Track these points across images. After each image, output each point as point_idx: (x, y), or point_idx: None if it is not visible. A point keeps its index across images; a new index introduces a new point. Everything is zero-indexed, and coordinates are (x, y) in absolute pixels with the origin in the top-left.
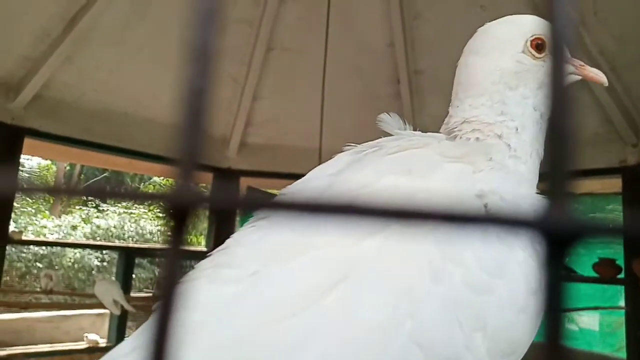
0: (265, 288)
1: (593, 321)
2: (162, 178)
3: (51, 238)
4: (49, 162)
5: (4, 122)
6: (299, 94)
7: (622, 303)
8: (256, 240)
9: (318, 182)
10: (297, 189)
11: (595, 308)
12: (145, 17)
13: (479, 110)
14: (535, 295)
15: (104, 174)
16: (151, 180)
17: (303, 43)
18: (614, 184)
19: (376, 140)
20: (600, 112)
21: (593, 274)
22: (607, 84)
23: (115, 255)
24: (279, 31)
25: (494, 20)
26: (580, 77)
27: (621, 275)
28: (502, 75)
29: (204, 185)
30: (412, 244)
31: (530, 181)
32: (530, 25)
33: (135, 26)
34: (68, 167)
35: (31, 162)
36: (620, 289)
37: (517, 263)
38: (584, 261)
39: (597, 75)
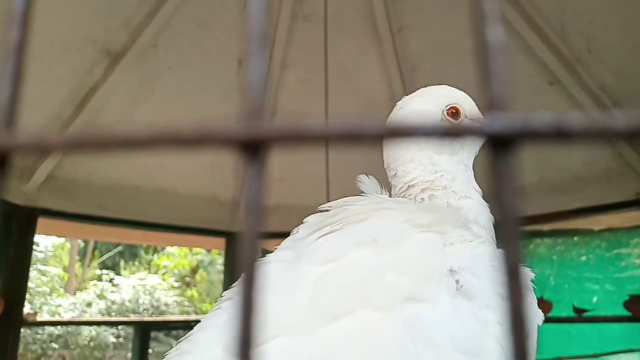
0: None
1: None
2: (175, 248)
3: (66, 316)
4: (62, 239)
5: (18, 204)
6: (305, 154)
7: None
8: (219, 324)
9: (284, 255)
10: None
11: (632, 350)
12: (152, 93)
13: (413, 173)
14: None
15: (118, 248)
16: (164, 250)
17: (305, 104)
18: (634, 216)
19: (343, 200)
20: (609, 147)
21: (625, 312)
22: None
23: (130, 330)
24: (281, 95)
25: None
26: None
27: None
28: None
29: (217, 251)
30: (380, 328)
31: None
32: (444, 96)
33: (142, 102)
34: (82, 244)
35: (45, 241)
36: None
37: (494, 339)
38: (613, 299)
39: None
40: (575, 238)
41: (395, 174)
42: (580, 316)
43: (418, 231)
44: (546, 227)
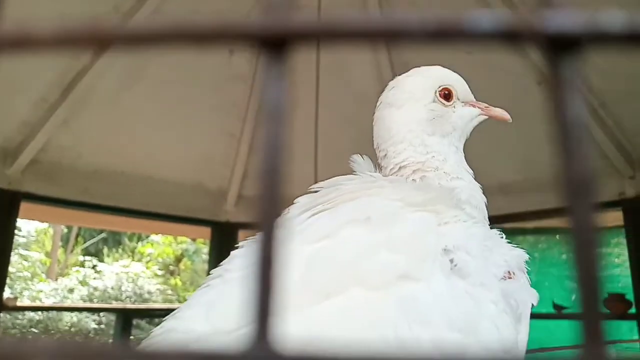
0: None
1: None
2: (160, 236)
3: (47, 302)
4: (46, 225)
5: (0, 188)
6: (295, 145)
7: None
8: (208, 302)
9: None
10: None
11: (612, 342)
12: (141, 79)
13: (404, 154)
14: (511, 354)
15: (101, 234)
16: (149, 238)
17: (296, 96)
18: (616, 217)
19: (334, 179)
20: (594, 147)
21: (604, 310)
22: (510, 121)
23: (112, 317)
24: None
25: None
26: (487, 117)
27: (632, 310)
28: (419, 123)
29: (203, 240)
30: (374, 307)
31: (482, 211)
32: (437, 76)
33: (131, 88)
34: (65, 230)
35: (28, 226)
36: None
37: (489, 318)
38: None
39: (501, 113)
40: (558, 236)
41: (385, 154)
42: (559, 312)
43: (412, 210)
44: (529, 224)
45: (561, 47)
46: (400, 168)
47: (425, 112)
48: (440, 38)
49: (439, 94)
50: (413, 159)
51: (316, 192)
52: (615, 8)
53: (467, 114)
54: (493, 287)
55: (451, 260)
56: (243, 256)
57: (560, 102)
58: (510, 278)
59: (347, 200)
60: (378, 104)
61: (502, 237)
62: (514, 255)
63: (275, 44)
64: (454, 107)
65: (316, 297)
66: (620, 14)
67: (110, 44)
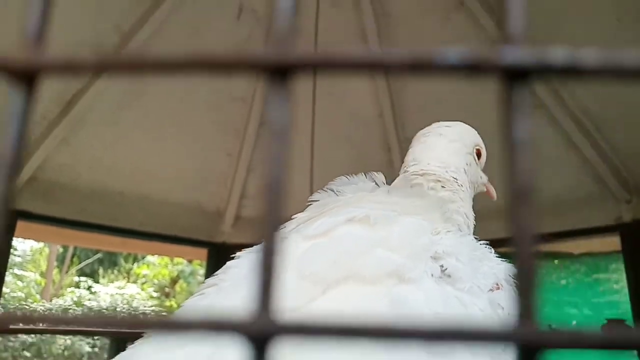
0: None
1: None
2: (155, 257)
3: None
4: (41, 244)
5: None
6: (292, 164)
7: None
8: (202, 309)
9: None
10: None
11: None
12: (140, 98)
13: (437, 169)
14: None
15: (97, 255)
16: (144, 259)
17: (293, 116)
18: (613, 242)
19: (337, 181)
20: (591, 171)
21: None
22: (495, 199)
23: (107, 340)
24: None
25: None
26: (484, 190)
27: None
28: (462, 160)
29: (199, 261)
30: (367, 305)
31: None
32: (476, 136)
33: (130, 107)
34: (61, 250)
35: (24, 246)
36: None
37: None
38: (591, 323)
39: (494, 192)
40: (556, 261)
41: (418, 163)
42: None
43: (407, 215)
44: None
45: (513, 77)
46: (424, 174)
47: (465, 157)
48: (415, 70)
49: (476, 151)
50: (442, 176)
51: (315, 202)
52: (563, 44)
53: (483, 178)
54: (481, 295)
55: (441, 266)
56: (238, 267)
57: (510, 124)
58: (498, 289)
59: (344, 207)
60: (425, 132)
61: (491, 251)
62: (501, 268)
63: (279, 72)
64: (478, 165)
65: (311, 292)
66: (562, 50)
67: (141, 70)
